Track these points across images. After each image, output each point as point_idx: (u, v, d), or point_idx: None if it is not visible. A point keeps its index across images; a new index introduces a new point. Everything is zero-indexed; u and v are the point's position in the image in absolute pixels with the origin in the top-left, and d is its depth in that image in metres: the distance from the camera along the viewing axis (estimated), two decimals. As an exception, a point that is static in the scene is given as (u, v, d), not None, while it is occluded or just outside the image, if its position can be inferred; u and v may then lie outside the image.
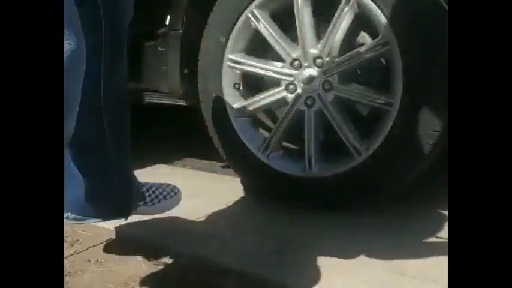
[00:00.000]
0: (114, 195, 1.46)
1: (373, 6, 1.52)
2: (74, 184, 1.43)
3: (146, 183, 1.57)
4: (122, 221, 1.58)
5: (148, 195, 1.57)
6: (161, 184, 1.60)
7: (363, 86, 1.65)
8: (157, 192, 1.59)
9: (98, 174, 1.44)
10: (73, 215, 1.44)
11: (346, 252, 1.42)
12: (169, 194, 1.62)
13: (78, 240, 1.54)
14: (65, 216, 1.43)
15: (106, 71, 1.34)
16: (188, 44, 1.83)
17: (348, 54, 1.61)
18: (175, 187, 1.63)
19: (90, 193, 1.44)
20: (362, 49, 1.59)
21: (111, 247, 1.51)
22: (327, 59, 1.65)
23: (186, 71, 1.81)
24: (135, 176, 1.54)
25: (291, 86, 1.72)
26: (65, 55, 0.96)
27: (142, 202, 1.56)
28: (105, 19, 1.28)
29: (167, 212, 1.65)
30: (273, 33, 1.71)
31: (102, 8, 1.26)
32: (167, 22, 1.79)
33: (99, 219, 1.48)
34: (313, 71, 1.67)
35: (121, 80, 1.38)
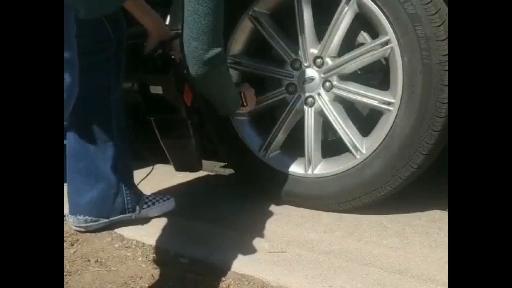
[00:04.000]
0: (122, 195, 1.53)
1: (373, 6, 1.52)
2: (88, 188, 1.50)
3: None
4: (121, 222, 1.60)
5: (142, 200, 1.65)
6: (153, 194, 1.72)
7: (363, 85, 1.65)
8: (150, 197, 1.67)
9: (108, 176, 1.51)
10: (90, 217, 1.54)
11: (345, 252, 1.42)
12: (162, 198, 1.70)
13: (78, 240, 1.54)
14: (83, 219, 1.51)
15: (114, 80, 1.51)
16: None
17: (348, 54, 1.61)
18: (166, 195, 1.73)
19: (101, 195, 1.51)
20: (362, 49, 1.59)
21: (111, 247, 1.51)
22: (327, 59, 1.65)
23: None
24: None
25: (292, 86, 1.72)
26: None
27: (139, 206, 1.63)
28: (115, 39, 1.48)
29: (166, 213, 1.67)
30: (273, 34, 1.71)
31: (111, 30, 1.47)
32: (167, 22, 1.79)
33: (110, 219, 1.56)
34: (313, 71, 1.67)
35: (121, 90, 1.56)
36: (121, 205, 1.55)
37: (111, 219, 1.56)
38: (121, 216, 1.56)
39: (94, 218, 1.54)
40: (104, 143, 1.52)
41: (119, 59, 1.51)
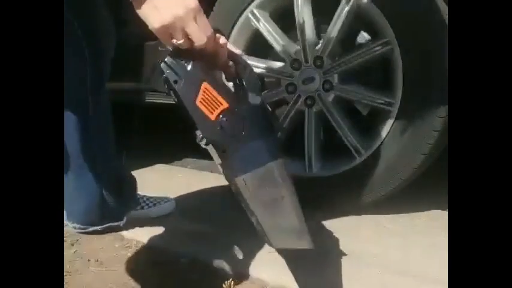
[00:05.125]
0: (108, 208, 1.51)
1: (373, 6, 1.52)
2: (75, 197, 1.49)
3: (143, 195, 1.66)
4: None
5: (143, 201, 1.65)
6: (154, 196, 1.70)
7: (363, 85, 1.65)
8: (151, 199, 1.67)
9: (91, 192, 1.49)
10: (78, 225, 1.53)
11: (346, 253, 1.42)
12: (163, 200, 1.69)
13: (78, 240, 1.54)
14: (71, 226, 1.50)
15: (91, 93, 1.41)
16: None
17: (347, 54, 1.61)
18: (167, 197, 1.72)
19: (87, 208, 1.50)
20: (362, 49, 1.59)
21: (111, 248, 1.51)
22: (327, 58, 1.65)
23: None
24: (133, 183, 1.61)
25: (291, 86, 1.72)
26: None
27: (138, 207, 1.64)
28: (88, 49, 1.34)
29: (166, 213, 1.67)
30: (273, 33, 1.71)
31: (84, 39, 1.33)
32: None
33: (98, 227, 1.54)
34: (313, 71, 1.67)
35: (105, 100, 1.46)
36: (108, 217, 1.54)
37: (99, 227, 1.55)
38: (108, 224, 1.55)
39: (82, 226, 1.54)
40: (85, 159, 1.46)
41: (98, 72, 1.40)
